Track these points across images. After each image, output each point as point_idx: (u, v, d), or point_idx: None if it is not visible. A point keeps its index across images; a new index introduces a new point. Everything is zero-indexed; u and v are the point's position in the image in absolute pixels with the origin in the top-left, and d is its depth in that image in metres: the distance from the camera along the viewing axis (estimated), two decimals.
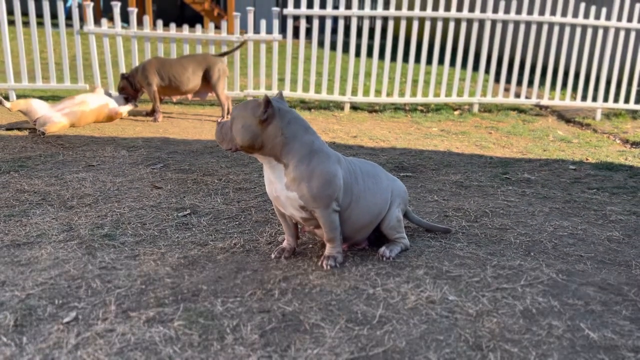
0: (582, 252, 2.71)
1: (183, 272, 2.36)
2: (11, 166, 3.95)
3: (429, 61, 7.52)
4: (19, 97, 6.79)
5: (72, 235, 2.74)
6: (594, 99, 7.57)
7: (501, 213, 3.28)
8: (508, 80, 8.58)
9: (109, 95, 5.74)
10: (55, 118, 5.11)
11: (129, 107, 5.81)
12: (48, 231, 2.79)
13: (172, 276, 2.32)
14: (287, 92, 7.01)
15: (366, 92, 7.45)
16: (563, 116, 7.44)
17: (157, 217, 3.04)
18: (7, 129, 5.20)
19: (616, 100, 7.69)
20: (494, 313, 2.05)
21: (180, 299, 2.12)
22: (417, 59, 10.79)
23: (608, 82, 8.38)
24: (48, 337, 1.85)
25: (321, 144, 2.36)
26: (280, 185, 2.30)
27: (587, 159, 4.98)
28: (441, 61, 9.53)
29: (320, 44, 10.46)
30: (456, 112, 7.23)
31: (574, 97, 7.70)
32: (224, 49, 6.70)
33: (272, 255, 2.55)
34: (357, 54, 9.42)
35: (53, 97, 6.88)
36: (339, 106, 7.24)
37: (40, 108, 5.13)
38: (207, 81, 5.97)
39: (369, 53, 10.31)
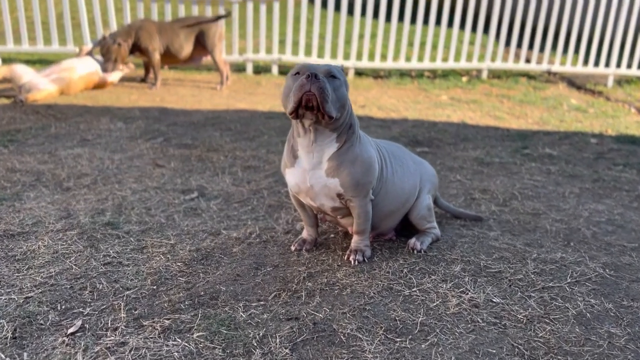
0: (625, 241, 2.52)
1: (197, 269, 2.14)
2: (0, 140, 3.66)
3: (438, 22, 7.17)
4: (4, 61, 6.41)
5: (71, 224, 2.50)
6: (607, 64, 7.29)
7: (530, 195, 3.06)
8: (519, 45, 8.20)
9: (97, 59, 5.39)
10: (41, 85, 4.79)
11: (120, 74, 5.46)
12: (44, 218, 2.54)
13: (185, 274, 2.10)
14: (288, 57, 6.67)
15: (371, 57, 7.12)
16: (574, 83, 7.19)
17: (162, 201, 2.80)
18: None
19: (629, 66, 7.43)
20: (545, 319, 1.86)
21: (197, 302, 1.91)
22: (426, 21, 10.17)
23: (622, 46, 8.07)
24: (52, 353, 1.63)
25: None
26: (319, 173, 2.05)
27: (607, 131, 4.76)
28: (450, 24, 9.15)
29: (324, 4, 10.00)
30: (464, 79, 6.94)
31: (586, 63, 7.41)
32: (221, 10, 6.31)
33: (292, 248, 2.33)
34: (363, 13, 8.99)
35: (41, 62, 6.50)
36: (343, 72, 6.92)
37: (24, 73, 4.80)
38: (202, 46, 5.61)
39: (375, 14, 9.85)
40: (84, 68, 5.10)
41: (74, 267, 2.13)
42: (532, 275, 2.15)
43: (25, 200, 2.75)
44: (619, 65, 7.35)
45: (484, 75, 7.01)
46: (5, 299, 1.90)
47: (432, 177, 2.45)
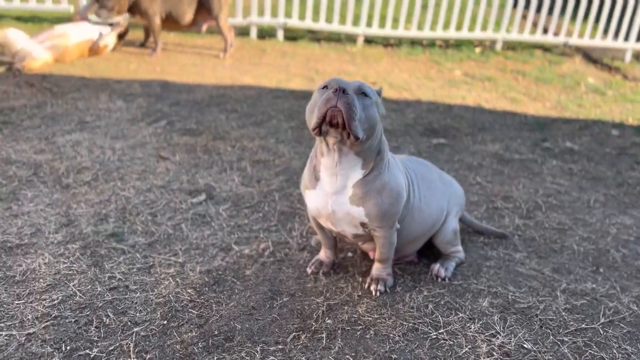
0: None
1: (209, 297, 2.01)
2: None
3: None
4: None
5: (72, 234, 2.35)
6: (626, 38, 7.00)
7: (554, 205, 2.92)
8: (538, 10, 7.78)
9: (89, 20, 5.08)
10: (35, 52, 4.53)
11: (113, 36, 5.15)
12: (43, 226, 2.39)
13: (197, 304, 1.97)
14: (294, 21, 6.35)
15: (382, 24, 6.78)
16: (590, 57, 6.93)
17: (168, 205, 2.64)
18: None
19: None
20: None
21: (211, 345, 1.78)
22: None
23: None
24: None
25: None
26: (343, 199, 1.89)
27: (627, 120, 4.58)
28: None
29: None
30: (477, 50, 6.66)
31: (605, 34, 7.11)
32: None
33: (309, 270, 2.20)
34: None
35: (33, 20, 6.16)
36: (352, 39, 6.62)
37: (18, 39, 4.52)
38: (206, 10, 5.29)
39: None
40: (78, 35, 4.81)
41: (77, 293, 1.99)
42: (564, 313, 2.04)
43: (22, 200, 2.59)
44: (639, 39, 7.06)
45: (498, 46, 6.73)
46: (6, 335, 1.77)
47: (460, 199, 2.30)
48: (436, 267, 2.21)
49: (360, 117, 1.70)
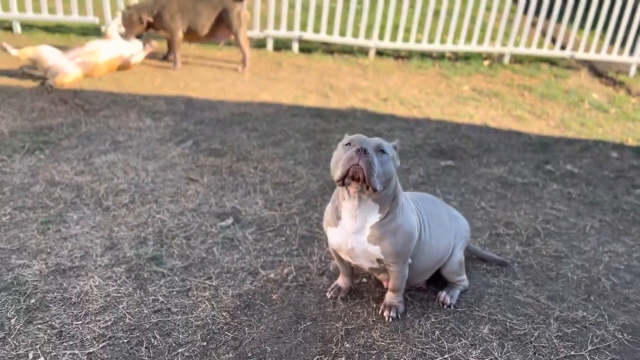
0: None
1: (242, 321, 2.29)
2: (34, 141, 3.73)
3: None
4: (23, 28, 6.34)
5: (116, 257, 2.63)
6: (631, 52, 7.18)
7: (553, 231, 3.17)
8: (548, 16, 7.92)
9: (118, 35, 5.36)
10: (67, 68, 4.80)
11: (143, 55, 5.43)
12: (90, 249, 2.67)
13: (231, 327, 2.25)
14: (309, 34, 6.59)
15: (393, 37, 7.00)
16: (595, 69, 7.12)
17: (200, 229, 2.91)
18: (21, 74, 4.90)
19: None
20: None
21: None
22: None
23: None
24: None
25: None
26: (361, 238, 2.16)
27: (627, 141, 4.80)
28: None
29: None
30: (486, 63, 6.88)
31: (612, 44, 7.30)
32: None
33: (328, 295, 2.47)
34: None
35: (60, 30, 6.43)
36: (364, 51, 6.85)
37: (50, 55, 4.80)
38: (225, 26, 5.55)
39: None
40: (108, 52, 5.07)
41: (127, 315, 2.27)
42: (555, 340, 2.30)
43: (69, 222, 2.87)
44: None
45: (506, 59, 6.94)
46: (70, 354, 2.05)
47: (466, 233, 2.56)
48: (443, 295, 2.48)
49: (379, 173, 1.97)
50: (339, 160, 2.01)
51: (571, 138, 4.74)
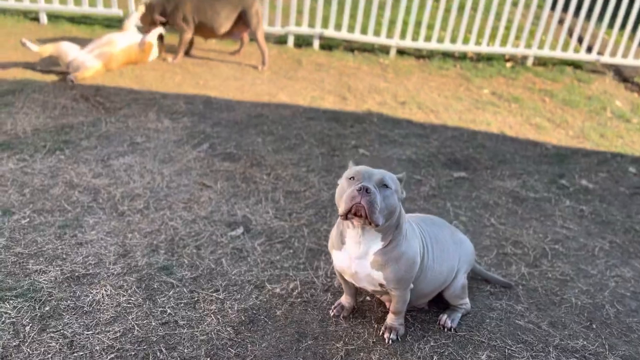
0: None
1: (245, 337, 2.36)
2: (55, 140, 3.84)
3: None
4: (50, 19, 6.46)
5: (128, 265, 2.72)
6: None
7: (560, 252, 3.17)
8: (576, 13, 7.73)
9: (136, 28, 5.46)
10: (88, 62, 4.91)
11: (156, 33, 5.48)
12: (104, 256, 2.77)
13: (235, 343, 2.32)
14: (330, 31, 6.58)
15: (415, 36, 6.94)
16: (621, 73, 6.98)
17: (211, 238, 2.99)
18: (43, 71, 5.01)
19: None
20: None
21: None
22: None
23: None
24: None
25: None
26: (365, 263, 2.21)
27: None
28: None
29: None
30: (508, 64, 6.79)
31: (638, 54, 7.14)
32: None
33: (331, 313, 2.53)
34: None
35: (85, 21, 6.53)
36: (385, 50, 6.81)
37: (70, 50, 4.91)
38: (243, 24, 5.58)
39: None
40: (124, 41, 5.17)
41: (135, 327, 2.36)
42: None
43: (85, 228, 2.97)
44: None
45: (529, 62, 6.84)
46: None
47: (470, 257, 2.58)
48: (444, 317, 2.52)
49: (381, 208, 2.00)
50: (342, 196, 2.05)
51: (589, 150, 4.69)
